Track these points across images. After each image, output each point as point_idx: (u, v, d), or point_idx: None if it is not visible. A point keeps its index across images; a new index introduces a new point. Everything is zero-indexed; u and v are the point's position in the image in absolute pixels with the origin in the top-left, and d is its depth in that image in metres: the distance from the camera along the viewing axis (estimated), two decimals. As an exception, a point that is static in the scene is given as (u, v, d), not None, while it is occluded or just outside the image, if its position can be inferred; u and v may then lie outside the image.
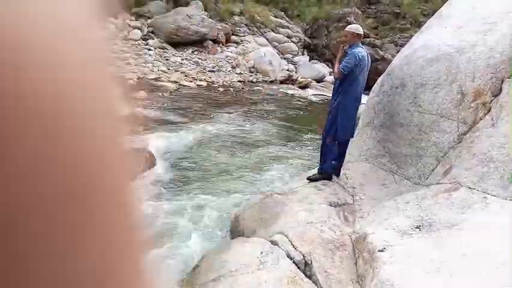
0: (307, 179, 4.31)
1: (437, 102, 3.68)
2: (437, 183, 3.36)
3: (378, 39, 21.43)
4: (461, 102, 3.49)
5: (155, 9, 20.04)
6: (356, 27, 4.13)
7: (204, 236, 4.23)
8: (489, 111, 3.27)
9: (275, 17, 22.52)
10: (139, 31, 18.68)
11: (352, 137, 4.28)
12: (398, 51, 5.23)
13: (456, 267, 2.29)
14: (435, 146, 3.62)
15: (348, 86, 3.98)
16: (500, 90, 3.24)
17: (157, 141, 7.24)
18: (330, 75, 18.99)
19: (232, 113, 10.58)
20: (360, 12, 22.26)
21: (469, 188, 3.00)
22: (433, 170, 3.58)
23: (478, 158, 3.09)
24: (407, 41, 4.89)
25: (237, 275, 2.80)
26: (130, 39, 18.06)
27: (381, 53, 20.46)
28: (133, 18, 19.89)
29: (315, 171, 4.44)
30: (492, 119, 3.18)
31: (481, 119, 3.31)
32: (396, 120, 4.07)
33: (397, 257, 2.56)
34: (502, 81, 3.25)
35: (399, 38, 20.85)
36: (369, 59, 4.08)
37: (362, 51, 3.97)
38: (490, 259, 2.25)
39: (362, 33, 4.11)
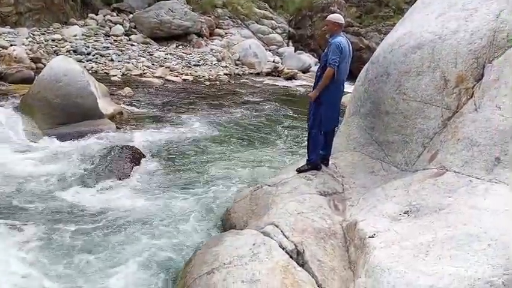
0: (296, 170, 4.33)
1: (420, 89, 3.73)
2: (424, 169, 3.43)
3: (362, 27, 21.49)
4: (444, 88, 3.54)
5: (136, 3, 19.71)
6: (337, 17, 4.16)
7: (195, 229, 4.24)
8: (472, 96, 3.33)
9: (258, 8, 22.39)
10: (121, 27, 18.38)
11: (337, 125, 4.32)
12: (382, 40, 5.26)
13: (444, 250, 2.35)
14: (420, 132, 3.68)
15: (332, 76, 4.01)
16: (482, 75, 3.30)
17: (144, 137, 7.20)
18: (315, 65, 19.01)
19: (219, 106, 10.55)
20: (343, 1, 22.25)
21: (455, 172, 3.06)
22: (419, 156, 3.64)
23: (463, 142, 3.16)
24: (391, 29, 4.92)
25: (230, 267, 2.82)
26: (112, 35, 17.76)
27: (365, 41, 20.54)
28: (114, 13, 19.54)
29: (303, 162, 4.46)
30: (475, 104, 3.24)
31: (464, 104, 3.37)
32: (382, 109, 4.12)
33: (387, 242, 2.62)
34: (484, 67, 3.31)
35: (382, 26, 20.93)
36: (350, 48, 4.11)
37: (342, 40, 4.00)
38: (477, 241, 2.31)
39: (343, 22, 4.14)
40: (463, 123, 3.25)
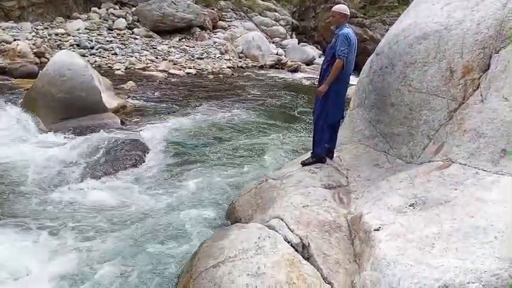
0: (301, 163, 4.32)
1: (426, 81, 3.69)
2: (429, 161, 3.40)
3: (366, 18, 21.31)
4: (450, 79, 3.50)
5: (139, -4, 19.66)
6: (343, 8, 4.11)
7: (200, 223, 4.26)
8: (478, 87, 3.29)
9: (262, 0, 22.24)
10: (124, 20, 18.34)
11: (343, 118, 4.30)
12: (387, 30, 5.21)
13: (450, 242, 2.33)
14: (426, 124, 3.65)
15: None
16: (489, 65, 3.26)
17: (148, 131, 7.21)
18: (319, 57, 18.90)
19: (223, 99, 10.52)
20: (347, -9, 22.04)
21: (461, 164, 3.03)
22: (425, 148, 3.61)
23: (469, 134, 3.12)
24: (396, 20, 4.87)
25: (236, 260, 2.83)
26: (115, 28, 17.73)
27: (369, 32, 20.39)
28: (117, 6, 19.48)
29: (308, 155, 4.45)
30: (481, 95, 3.20)
31: (470, 95, 3.33)
32: (386, 101, 4.09)
33: (392, 235, 2.61)
34: (490, 57, 3.26)
35: (387, 16, 20.75)
36: (355, 37, 4.07)
37: (349, 31, 3.97)
38: (484, 233, 2.30)
39: (349, 13, 4.10)
40: (469, 115, 3.22)
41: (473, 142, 3.05)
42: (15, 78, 10.03)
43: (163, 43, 17.38)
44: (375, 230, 2.75)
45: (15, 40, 13.98)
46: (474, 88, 3.32)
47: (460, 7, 3.64)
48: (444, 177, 2.99)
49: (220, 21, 20.70)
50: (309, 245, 2.95)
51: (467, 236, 2.33)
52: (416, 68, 3.79)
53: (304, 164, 4.29)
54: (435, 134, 3.54)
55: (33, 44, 13.97)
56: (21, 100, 7.54)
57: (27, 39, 14.36)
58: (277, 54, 18.94)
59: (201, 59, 16.30)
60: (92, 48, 15.08)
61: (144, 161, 5.82)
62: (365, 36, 19.50)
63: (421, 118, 3.70)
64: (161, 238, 3.92)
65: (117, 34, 17.16)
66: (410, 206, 2.89)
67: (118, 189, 4.94)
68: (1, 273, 3.18)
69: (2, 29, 15.21)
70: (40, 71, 8.26)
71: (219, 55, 17.26)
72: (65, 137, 6.48)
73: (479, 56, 3.32)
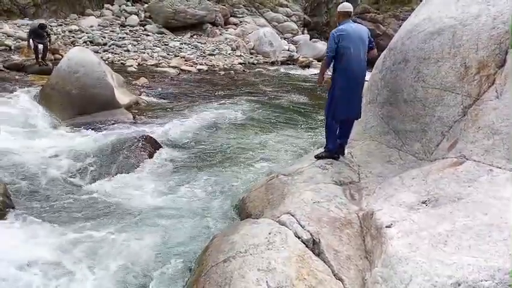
0: (314, 156, 4.35)
1: (440, 76, 3.64)
2: (443, 158, 3.36)
3: (379, 13, 21.07)
4: (465, 75, 3.45)
5: (151, -7, 19.77)
6: (341, 6, 4.12)
7: (211, 218, 4.28)
8: (493, 83, 3.23)
9: (273, -4, 22.18)
10: (136, 17, 18.46)
11: (356, 117, 4.21)
12: (400, 26, 5.14)
13: (463, 240, 2.31)
14: (439, 120, 3.60)
15: (338, 64, 3.97)
16: (504, 61, 3.20)
17: (160, 127, 7.26)
18: (331, 53, 18.73)
19: (234, 96, 10.54)
20: (359, -13, 21.85)
21: (475, 161, 2.99)
22: (438, 144, 3.57)
23: (483, 130, 3.08)
24: (409, 15, 4.80)
25: (246, 255, 2.84)
26: (128, 25, 17.86)
27: (382, 27, 20.17)
28: (129, 3, 19.62)
29: (320, 151, 4.45)
30: (496, 91, 3.15)
31: (485, 92, 3.28)
32: (399, 97, 4.04)
33: (404, 232, 2.59)
34: (506, 53, 3.20)
35: (400, 11, 20.49)
36: (362, 34, 3.99)
37: (343, 27, 3.94)
38: (498, 231, 2.27)
39: (349, 10, 4.07)
40: (483, 111, 3.17)
41: (488, 139, 3.00)
42: (29, 74, 10.20)
43: (175, 39, 17.47)
44: (386, 226, 2.73)
45: (30, 37, 14.12)
46: (489, 84, 3.27)
47: (476, 1, 3.58)
48: (458, 174, 2.95)
49: (232, 17, 20.71)
50: (319, 241, 2.95)
51: (481, 234, 2.30)
52: (429, 63, 3.74)
53: (317, 156, 4.31)
54: (449, 131, 3.50)
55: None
56: (36, 96, 7.66)
57: (41, 36, 14.52)
58: (288, 50, 18.88)
59: (212, 55, 16.34)
60: (105, 44, 15.23)
61: (156, 157, 5.87)
62: (377, 32, 19.30)
63: (435, 114, 3.65)
64: (172, 232, 3.96)
65: (129, 31, 17.31)
66: (422, 203, 2.86)
67: (129, 184, 5.00)
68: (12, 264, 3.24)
69: (18, 26, 15.45)
70: (54, 68, 8.39)
71: (230, 51, 17.28)
72: (79, 133, 6.58)
73: (494, 51, 3.26)
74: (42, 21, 11.82)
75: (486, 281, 1.99)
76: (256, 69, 15.44)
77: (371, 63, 4.28)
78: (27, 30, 11.46)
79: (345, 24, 3.97)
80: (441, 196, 2.82)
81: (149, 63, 13.97)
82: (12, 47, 13.17)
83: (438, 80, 3.65)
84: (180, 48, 16.44)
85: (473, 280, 2.01)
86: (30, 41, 10.44)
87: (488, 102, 3.16)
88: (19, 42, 13.59)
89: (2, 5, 16.16)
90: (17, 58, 11.44)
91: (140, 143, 5.93)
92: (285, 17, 21.67)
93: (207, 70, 14.26)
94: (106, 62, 11.69)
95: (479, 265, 2.08)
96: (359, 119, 4.31)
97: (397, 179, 3.44)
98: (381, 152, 4.17)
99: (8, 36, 13.96)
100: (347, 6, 4.09)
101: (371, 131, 4.46)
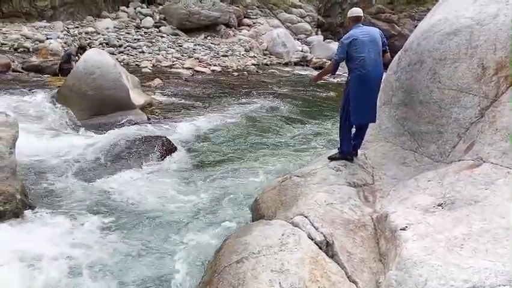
0: (328, 158, 4.32)
1: (456, 77, 3.58)
2: (459, 160, 3.31)
3: (394, 14, 20.87)
4: (482, 76, 3.39)
5: (165, -5, 19.98)
6: (351, 11, 4.12)
7: (224, 219, 4.30)
8: (511, 84, 3.17)
9: (287, -3, 22.17)
10: (151, 18, 18.65)
11: (372, 120, 4.14)
12: (415, 26, 5.08)
13: (480, 243, 2.27)
14: (456, 122, 3.55)
15: (350, 66, 3.95)
16: (524, 62, 3.14)
17: (174, 128, 7.33)
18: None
19: (248, 97, 10.56)
20: (374, -13, 21.67)
21: (492, 163, 2.94)
22: (454, 146, 3.52)
23: (501, 132, 3.02)
24: (425, 15, 4.74)
25: (259, 256, 2.84)
26: (143, 27, 18.06)
27: (397, 28, 19.96)
28: (144, 5, 19.83)
29: (335, 151, 4.43)
30: (515, 92, 3.09)
31: (503, 93, 3.22)
32: (415, 98, 4.00)
33: (420, 235, 2.55)
34: (526, 53, 3.14)
35: (416, 12, 20.25)
36: (372, 35, 3.94)
37: (352, 32, 3.93)
38: (515, 235, 2.22)
39: (358, 14, 4.05)
40: (501, 113, 3.11)
41: (506, 141, 2.94)
42: (47, 75, 10.40)
43: (189, 41, 17.59)
44: (401, 229, 2.70)
45: (47, 39, 14.46)
46: (507, 85, 3.21)
47: (494, 1, 3.51)
48: (474, 177, 2.90)
49: (245, 19, 20.75)
50: (333, 243, 2.93)
51: (498, 237, 2.26)
52: (446, 64, 3.69)
53: (331, 158, 4.27)
54: (466, 133, 3.44)
55: (65, 43, 14.42)
56: (54, 96, 7.82)
57: (58, 37, 14.83)
58: (302, 51, 18.83)
59: (226, 56, 16.40)
60: (120, 46, 15.43)
61: (169, 157, 5.92)
62: (392, 32, 19.11)
63: (451, 116, 3.60)
64: (185, 233, 3.99)
65: (144, 32, 17.50)
66: (438, 205, 2.82)
67: (143, 183, 5.05)
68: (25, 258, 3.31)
69: (36, 28, 15.77)
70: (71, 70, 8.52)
71: (244, 52, 17.32)
72: (95, 132, 6.69)
73: (513, 51, 3.20)
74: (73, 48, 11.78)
75: (504, 285, 1.96)
76: (270, 70, 15.45)
77: (385, 66, 4.23)
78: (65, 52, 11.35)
79: (354, 29, 3.95)
80: (457, 199, 2.78)
81: (163, 65, 14.10)
82: (31, 49, 13.45)
83: (454, 81, 3.60)
84: (194, 49, 16.55)
85: (491, 285, 1.98)
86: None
87: (506, 104, 3.11)
88: (37, 44, 13.88)
89: (20, 8, 16.53)
90: (35, 60, 11.68)
91: (153, 143, 5.99)
92: (298, 18, 21.62)
93: (220, 71, 14.33)
94: (121, 63, 11.85)
95: (496, 269, 2.05)
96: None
97: (412, 181, 3.40)
98: (395, 153, 4.13)
99: (27, 38, 14.26)
100: (356, 11, 4.08)
101: (385, 132, 4.41)
